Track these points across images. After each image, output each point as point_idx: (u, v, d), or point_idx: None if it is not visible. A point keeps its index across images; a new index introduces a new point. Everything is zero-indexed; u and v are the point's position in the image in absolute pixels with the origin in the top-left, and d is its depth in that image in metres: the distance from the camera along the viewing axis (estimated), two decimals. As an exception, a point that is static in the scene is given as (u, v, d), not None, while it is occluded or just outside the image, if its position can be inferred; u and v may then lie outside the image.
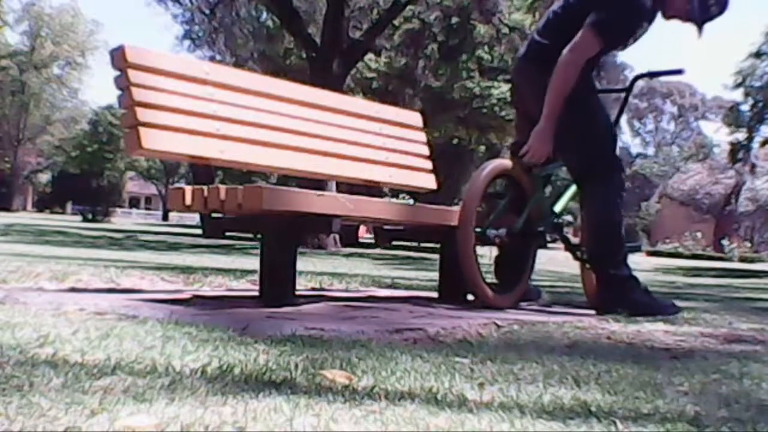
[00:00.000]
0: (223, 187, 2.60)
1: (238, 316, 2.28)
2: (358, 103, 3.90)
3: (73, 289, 3.00)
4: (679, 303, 3.43)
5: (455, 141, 26.62)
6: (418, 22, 21.74)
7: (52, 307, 2.19)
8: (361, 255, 14.38)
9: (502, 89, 23.36)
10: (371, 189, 4.68)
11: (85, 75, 57.21)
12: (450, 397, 1.24)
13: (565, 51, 3.06)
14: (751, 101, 24.77)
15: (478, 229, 3.21)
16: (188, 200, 2.65)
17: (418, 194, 9.66)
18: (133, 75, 2.64)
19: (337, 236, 15.68)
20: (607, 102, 3.48)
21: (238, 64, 21.00)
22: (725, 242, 36.92)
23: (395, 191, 26.56)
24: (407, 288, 4.45)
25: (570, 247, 3.51)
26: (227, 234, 3.36)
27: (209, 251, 11.72)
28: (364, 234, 25.77)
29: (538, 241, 3.45)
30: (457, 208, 3.26)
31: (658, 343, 2.18)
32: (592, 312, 3.08)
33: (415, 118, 3.92)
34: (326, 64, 15.65)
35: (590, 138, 3.18)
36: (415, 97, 23.05)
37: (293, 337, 1.83)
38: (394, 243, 16.95)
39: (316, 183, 5.93)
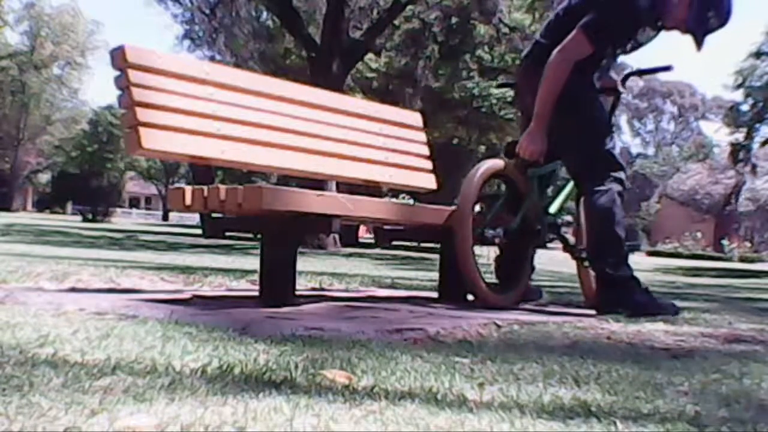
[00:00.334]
0: (223, 187, 2.60)
1: (238, 316, 2.28)
2: (358, 103, 3.90)
3: (73, 289, 2.99)
4: (679, 303, 3.43)
5: (455, 141, 26.60)
6: (418, 22, 21.73)
7: (52, 307, 2.19)
8: (361, 255, 14.38)
9: (502, 89, 23.35)
10: (371, 189, 4.67)
11: (85, 75, 57.12)
12: (450, 397, 1.24)
13: (554, 51, 3.10)
14: (751, 101, 24.77)
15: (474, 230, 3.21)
16: (188, 200, 2.65)
17: (418, 194, 9.65)
18: (133, 75, 2.64)
19: (337, 236, 15.68)
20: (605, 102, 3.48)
21: (238, 64, 20.97)
22: (725, 242, 36.94)
23: (395, 191, 26.55)
24: (407, 288, 4.45)
25: (568, 247, 3.51)
26: (227, 234, 3.36)
27: (209, 251, 11.72)
28: (364, 234, 25.76)
29: (536, 240, 3.45)
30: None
31: (658, 343, 2.18)
32: (592, 312, 3.08)
33: (415, 118, 3.92)
34: (326, 64, 15.65)
35: (590, 138, 3.18)
36: (415, 97, 23.03)
37: (293, 337, 1.83)
38: (394, 243, 16.95)
39: (316, 183, 5.92)
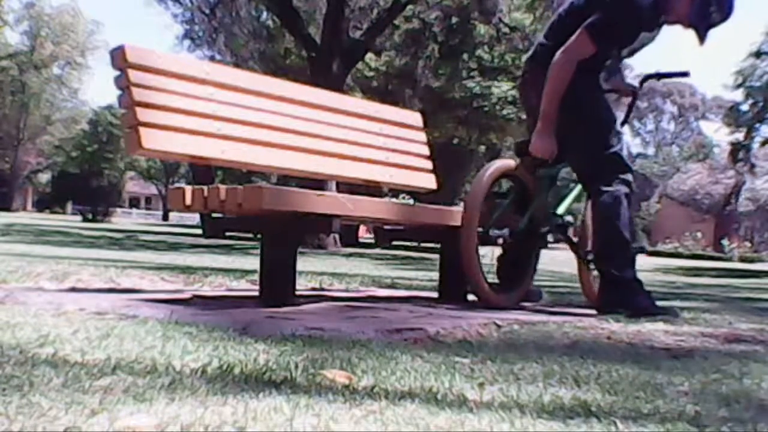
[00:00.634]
0: (223, 187, 2.60)
1: (238, 316, 2.28)
2: (358, 103, 3.90)
3: (73, 289, 2.99)
4: (679, 303, 3.44)
5: (455, 141, 26.60)
6: (418, 21, 21.73)
7: (52, 307, 2.19)
8: (361, 255, 14.38)
9: (502, 89, 23.35)
10: (371, 189, 4.67)
11: (85, 75, 57.12)
12: (450, 397, 1.24)
13: (558, 51, 3.10)
14: (751, 101, 24.77)
15: (480, 229, 3.21)
16: (188, 200, 2.65)
17: (418, 194, 9.65)
18: (133, 75, 2.64)
19: (337, 236, 15.68)
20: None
21: (238, 64, 20.98)
22: (725, 242, 36.92)
23: (395, 191, 26.55)
24: (407, 288, 4.45)
25: (575, 249, 3.51)
26: (227, 234, 3.36)
27: (209, 251, 11.72)
28: (364, 234, 25.76)
29: (543, 242, 3.45)
30: (457, 208, 3.26)
31: (658, 343, 2.18)
32: (592, 312, 3.08)
33: (416, 118, 3.92)
34: (326, 64, 15.65)
35: (596, 139, 3.18)
36: (415, 97, 23.04)
37: (293, 337, 1.83)
38: (394, 243, 16.95)
39: (317, 183, 5.92)
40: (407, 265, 11.14)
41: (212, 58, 22.49)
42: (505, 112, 23.67)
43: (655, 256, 29.03)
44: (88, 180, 46.91)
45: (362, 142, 3.50)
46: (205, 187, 2.64)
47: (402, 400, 1.19)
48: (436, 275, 3.79)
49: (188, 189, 2.67)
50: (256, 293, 2.95)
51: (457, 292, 3.43)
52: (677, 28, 3.21)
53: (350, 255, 13.91)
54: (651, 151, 69.16)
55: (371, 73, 23.53)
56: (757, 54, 23.86)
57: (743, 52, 27.89)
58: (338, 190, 12.77)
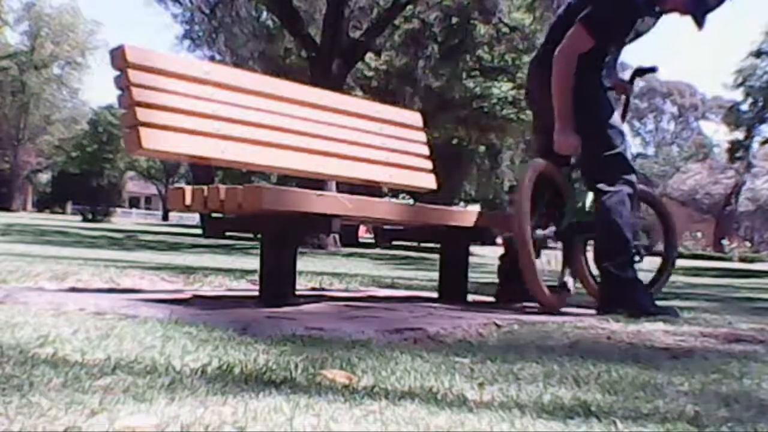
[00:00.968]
0: (223, 187, 2.60)
1: (238, 316, 2.28)
2: (358, 103, 3.90)
3: (73, 289, 3.00)
4: (679, 303, 3.43)
5: (455, 141, 26.61)
6: (418, 22, 21.72)
7: (52, 307, 2.19)
8: (361, 255, 14.38)
9: (502, 89, 23.35)
10: (371, 189, 4.67)
11: (85, 75, 57.25)
12: (450, 397, 1.24)
13: (557, 49, 3.11)
14: (750, 101, 24.79)
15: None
16: (188, 200, 2.65)
17: (418, 194, 9.64)
18: (133, 75, 2.64)
19: (337, 236, 15.68)
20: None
21: (238, 64, 20.97)
22: (725, 242, 36.92)
23: (395, 191, 26.56)
24: (407, 288, 4.45)
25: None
26: (227, 234, 3.36)
27: (209, 251, 11.72)
28: (364, 234, 25.78)
29: (585, 238, 3.45)
30: (457, 208, 3.25)
31: (658, 343, 2.18)
32: (592, 312, 3.08)
33: (416, 118, 3.92)
34: (326, 64, 15.65)
35: (600, 139, 3.18)
36: (415, 97, 23.03)
37: (293, 337, 1.83)
38: (394, 243, 16.94)
39: (316, 183, 5.92)
40: (407, 265, 11.14)
41: (212, 58, 22.49)
42: (505, 112, 23.67)
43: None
44: (88, 180, 46.96)
45: (362, 142, 3.50)
46: (205, 187, 2.64)
47: (402, 400, 1.19)
48: (436, 275, 3.79)
49: (188, 189, 2.67)
50: (256, 293, 2.95)
51: (456, 292, 3.43)
52: (675, 27, 3.21)
53: (350, 255, 13.91)
54: (651, 151, 69.17)
55: (371, 73, 23.52)
56: (757, 54, 23.88)
57: (743, 52, 27.88)
58: (338, 190, 12.77)
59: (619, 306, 2.98)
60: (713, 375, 1.61)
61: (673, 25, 3.59)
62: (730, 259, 31.53)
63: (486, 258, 11.49)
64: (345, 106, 3.52)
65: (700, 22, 3.17)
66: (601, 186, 3.14)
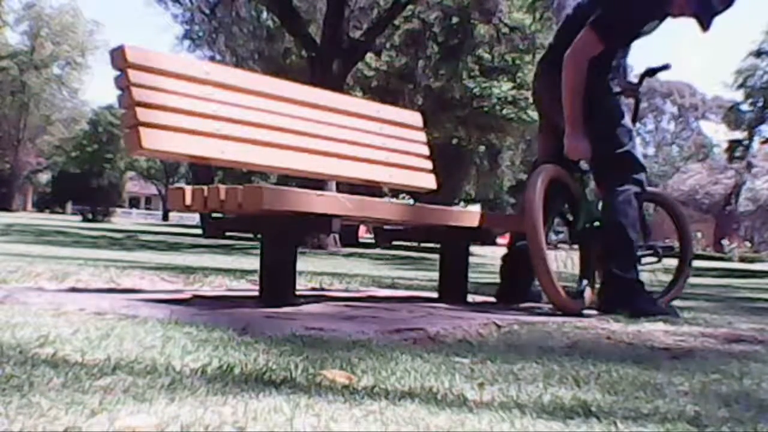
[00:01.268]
0: (223, 187, 2.60)
1: (238, 316, 2.28)
2: (358, 102, 3.90)
3: (73, 289, 2.99)
4: (679, 303, 3.43)
5: (455, 141, 26.61)
6: (418, 22, 21.74)
7: (52, 307, 2.19)
8: (361, 255, 14.38)
9: (502, 89, 23.35)
10: (371, 189, 4.67)
11: (85, 75, 57.04)
12: (450, 397, 1.24)
13: (567, 52, 3.10)
14: (751, 101, 24.80)
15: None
16: (188, 200, 2.65)
17: (418, 194, 9.64)
18: (133, 75, 2.64)
19: (337, 236, 15.68)
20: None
21: (238, 64, 20.99)
22: (725, 242, 36.91)
23: (395, 191, 26.55)
24: (407, 288, 4.45)
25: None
26: (227, 234, 3.36)
27: (209, 251, 11.72)
28: (364, 234, 25.77)
29: (599, 240, 3.43)
30: (457, 208, 3.25)
31: (658, 343, 2.18)
32: (593, 312, 3.08)
33: (415, 118, 3.92)
34: (326, 64, 15.65)
35: (608, 139, 3.18)
36: (415, 97, 23.04)
37: (293, 337, 1.83)
38: (394, 243, 16.93)
39: (316, 183, 5.92)
40: (407, 265, 11.14)
41: (212, 58, 22.51)
42: (505, 112, 23.68)
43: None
44: (88, 180, 46.91)
45: (362, 142, 3.50)
46: (205, 187, 2.64)
47: (402, 400, 1.19)
48: (436, 275, 3.79)
49: (188, 189, 2.67)
50: (256, 293, 2.95)
51: (456, 292, 3.43)
52: (677, 30, 3.22)
53: (350, 255, 13.90)
54: (651, 151, 69.12)
55: (371, 73, 23.52)
56: (758, 53, 23.89)
57: (743, 52, 27.87)
58: (338, 190, 12.77)
59: (620, 306, 2.98)
60: (713, 375, 1.61)
61: (673, 25, 3.58)
62: (730, 259, 31.52)
63: (486, 258, 11.49)
64: (345, 106, 3.52)
65: (706, 25, 3.17)
66: (609, 185, 3.15)
